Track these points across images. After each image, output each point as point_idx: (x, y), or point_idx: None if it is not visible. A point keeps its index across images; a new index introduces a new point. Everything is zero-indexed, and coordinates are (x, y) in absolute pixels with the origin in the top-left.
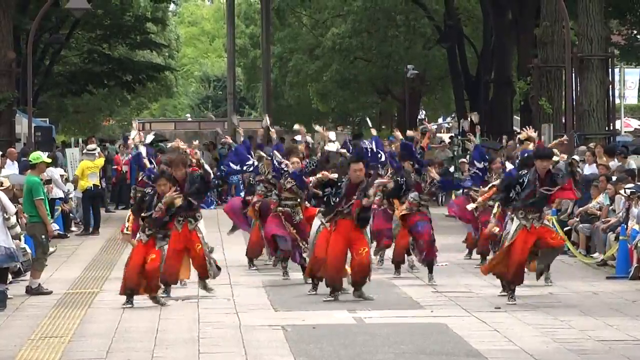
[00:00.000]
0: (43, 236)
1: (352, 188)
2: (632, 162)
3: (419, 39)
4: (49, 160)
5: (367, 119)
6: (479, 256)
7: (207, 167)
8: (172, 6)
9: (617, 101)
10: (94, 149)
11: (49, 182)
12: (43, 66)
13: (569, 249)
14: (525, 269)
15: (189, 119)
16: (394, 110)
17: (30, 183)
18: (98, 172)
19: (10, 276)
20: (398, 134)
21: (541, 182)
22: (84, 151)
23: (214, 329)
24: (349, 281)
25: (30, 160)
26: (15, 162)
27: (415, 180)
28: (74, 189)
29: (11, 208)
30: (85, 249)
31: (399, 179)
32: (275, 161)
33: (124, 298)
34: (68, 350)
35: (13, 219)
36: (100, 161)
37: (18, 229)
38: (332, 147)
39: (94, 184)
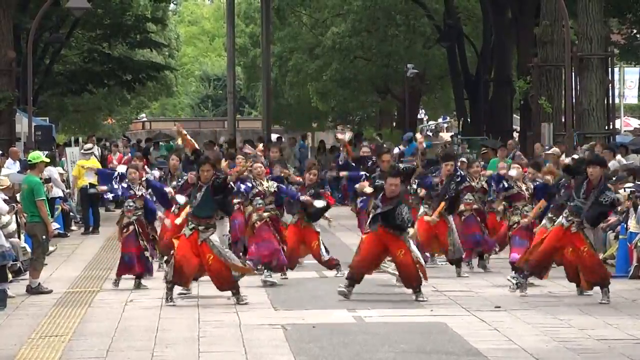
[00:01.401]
0: (44, 236)
1: (386, 201)
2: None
3: (418, 38)
4: (48, 160)
5: None
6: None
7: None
8: (172, 5)
9: (617, 100)
10: (90, 149)
11: (47, 181)
12: (43, 65)
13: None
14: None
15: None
16: (394, 109)
17: (32, 183)
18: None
19: (10, 275)
20: (419, 136)
21: (589, 189)
22: (81, 150)
23: (214, 328)
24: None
25: (29, 160)
26: (17, 162)
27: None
28: (69, 188)
29: (3, 207)
30: (85, 248)
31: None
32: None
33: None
34: (68, 350)
35: (5, 218)
36: (93, 161)
37: (11, 228)
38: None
39: (90, 183)
